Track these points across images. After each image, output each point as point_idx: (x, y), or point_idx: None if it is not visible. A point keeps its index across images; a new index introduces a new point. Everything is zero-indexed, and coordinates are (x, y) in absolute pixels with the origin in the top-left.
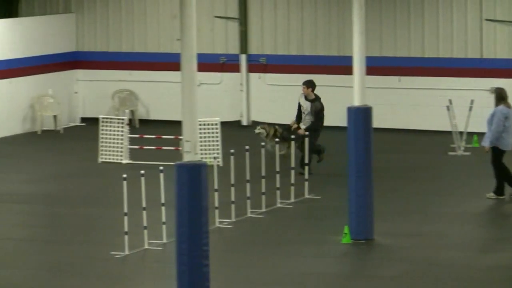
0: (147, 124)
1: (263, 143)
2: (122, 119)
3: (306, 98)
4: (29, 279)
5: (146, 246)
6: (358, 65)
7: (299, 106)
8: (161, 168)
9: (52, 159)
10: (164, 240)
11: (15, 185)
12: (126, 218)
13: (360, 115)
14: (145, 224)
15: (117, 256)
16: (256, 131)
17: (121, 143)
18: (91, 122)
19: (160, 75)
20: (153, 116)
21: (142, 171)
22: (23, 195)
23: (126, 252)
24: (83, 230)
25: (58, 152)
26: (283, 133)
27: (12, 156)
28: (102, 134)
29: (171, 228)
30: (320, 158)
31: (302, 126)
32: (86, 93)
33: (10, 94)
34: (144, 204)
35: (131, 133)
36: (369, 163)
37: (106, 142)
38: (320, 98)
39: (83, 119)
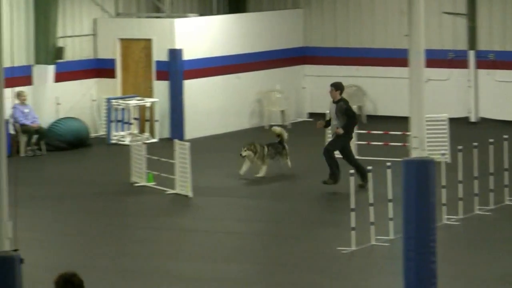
0: (374, 120)
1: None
2: None
3: (333, 101)
4: (252, 273)
5: (373, 242)
6: None
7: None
8: (388, 164)
9: None
10: (391, 236)
11: (241, 180)
12: (353, 213)
13: None
14: (372, 220)
15: (344, 251)
16: (243, 154)
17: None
18: (318, 118)
19: (388, 71)
20: (381, 112)
21: (369, 167)
22: (250, 190)
23: (353, 248)
24: (309, 225)
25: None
26: (269, 150)
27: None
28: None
29: (398, 224)
30: (363, 182)
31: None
32: (314, 89)
33: (238, 89)
34: (371, 200)
35: (358, 128)
36: None
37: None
38: (347, 102)
39: (310, 114)
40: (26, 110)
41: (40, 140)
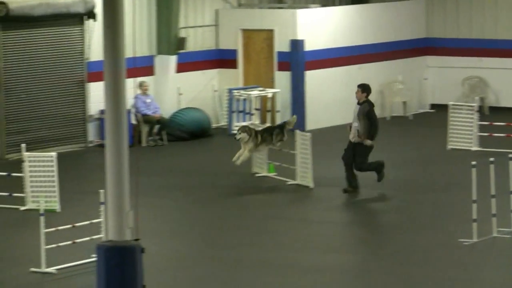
0: (497, 112)
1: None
2: (472, 106)
3: (358, 102)
4: (373, 264)
5: (495, 234)
6: None
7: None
8: (510, 155)
9: (401, 145)
10: None
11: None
12: (474, 205)
13: None
14: (493, 211)
15: (465, 243)
16: (237, 136)
17: (471, 130)
18: (440, 109)
19: (511, 62)
20: (504, 104)
21: (492, 159)
22: (371, 180)
23: (475, 240)
24: (431, 216)
25: (407, 138)
26: (263, 134)
27: None
28: (452, 120)
29: None
30: (380, 176)
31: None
32: (436, 80)
33: (360, 80)
34: (493, 192)
35: (480, 120)
36: None
37: (455, 129)
38: (372, 105)
39: (433, 106)
40: (148, 100)
41: (161, 130)
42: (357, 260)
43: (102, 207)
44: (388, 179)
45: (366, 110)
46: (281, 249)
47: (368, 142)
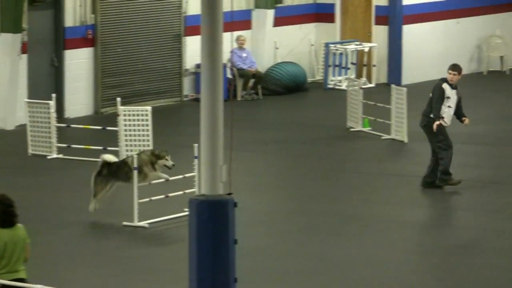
0: None
1: None
2: None
3: (451, 86)
4: (472, 220)
5: None
6: None
7: (441, 96)
8: None
9: (498, 100)
10: None
11: (455, 125)
12: None
13: None
14: None
15: None
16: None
17: None
18: None
19: None
20: None
21: None
22: (472, 135)
23: None
24: None
25: (504, 93)
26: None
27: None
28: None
29: None
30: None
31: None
32: None
33: (458, 35)
34: None
35: None
36: None
37: None
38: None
39: None
40: (244, 55)
41: (257, 84)
42: (457, 216)
43: (195, 161)
44: (475, 133)
45: (460, 97)
46: (369, 203)
47: (467, 121)
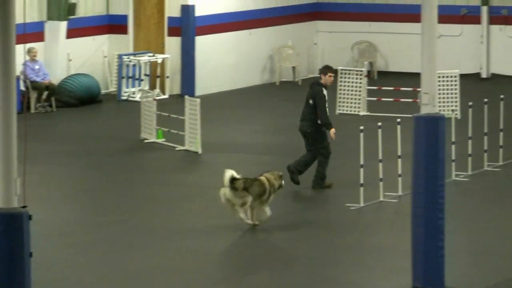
0: (385, 76)
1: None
2: (361, 71)
3: (326, 88)
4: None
5: (382, 198)
6: None
7: (324, 100)
8: (398, 120)
9: (290, 110)
10: (400, 193)
11: (250, 135)
12: (362, 170)
13: None
14: (381, 176)
15: (352, 208)
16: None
17: (359, 95)
18: None
19: (400, 27)
20: (392, 68)
21: (379, 123)
22: (260, 146)
23: (362, 204)
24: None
25: (295, 103)
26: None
27: (250, 107)
28: (341, 85)
29: (406, 180)
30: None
31: None
32: (326, 44)
33: (250, 45)
34: (380, 156)
35: (369, 84)
36: None
37: (344, 94)
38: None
39: None
40: (37, 67)
41: (50, 97)
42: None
43: None
44: (272, 143)
45: None
46: (164, 214)
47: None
